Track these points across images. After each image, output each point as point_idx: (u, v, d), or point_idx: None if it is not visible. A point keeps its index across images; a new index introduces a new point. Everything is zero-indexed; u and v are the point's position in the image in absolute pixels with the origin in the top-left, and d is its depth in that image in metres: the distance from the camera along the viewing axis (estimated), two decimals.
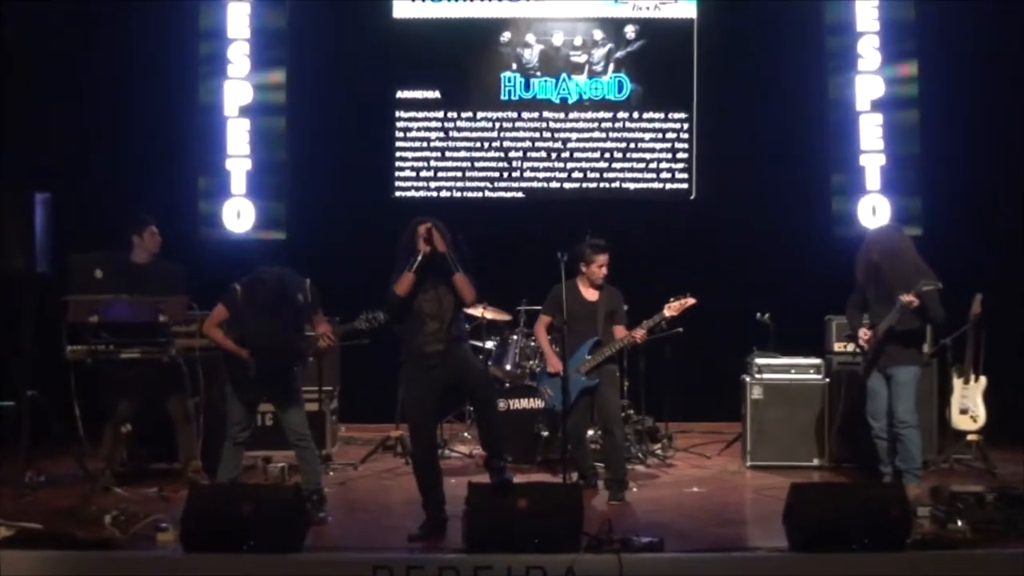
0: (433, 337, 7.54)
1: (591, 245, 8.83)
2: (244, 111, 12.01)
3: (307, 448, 8.07)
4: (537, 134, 12.12)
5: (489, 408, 7.93)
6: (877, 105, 11.88)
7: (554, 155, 12.12)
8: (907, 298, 8.30)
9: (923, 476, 8.56)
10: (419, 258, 7.47)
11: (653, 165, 12.10)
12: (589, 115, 12.11)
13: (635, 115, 12.09)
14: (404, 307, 7.56)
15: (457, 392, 8.26)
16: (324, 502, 8.04)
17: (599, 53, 12.10)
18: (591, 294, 8.90)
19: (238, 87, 12.00)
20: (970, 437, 9.58)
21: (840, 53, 11.96)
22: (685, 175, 12.08)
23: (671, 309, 8.81)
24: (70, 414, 8.77)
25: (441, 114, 12.11)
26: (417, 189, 12.11)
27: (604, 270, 8.84)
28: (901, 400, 8.52)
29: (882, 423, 8.63)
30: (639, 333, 8.78)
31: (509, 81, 12.11)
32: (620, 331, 8.88)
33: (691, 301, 8.82)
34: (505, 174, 12.13)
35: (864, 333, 8.67)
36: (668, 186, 12.10)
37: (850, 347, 9.63)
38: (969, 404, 9.53)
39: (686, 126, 12.05)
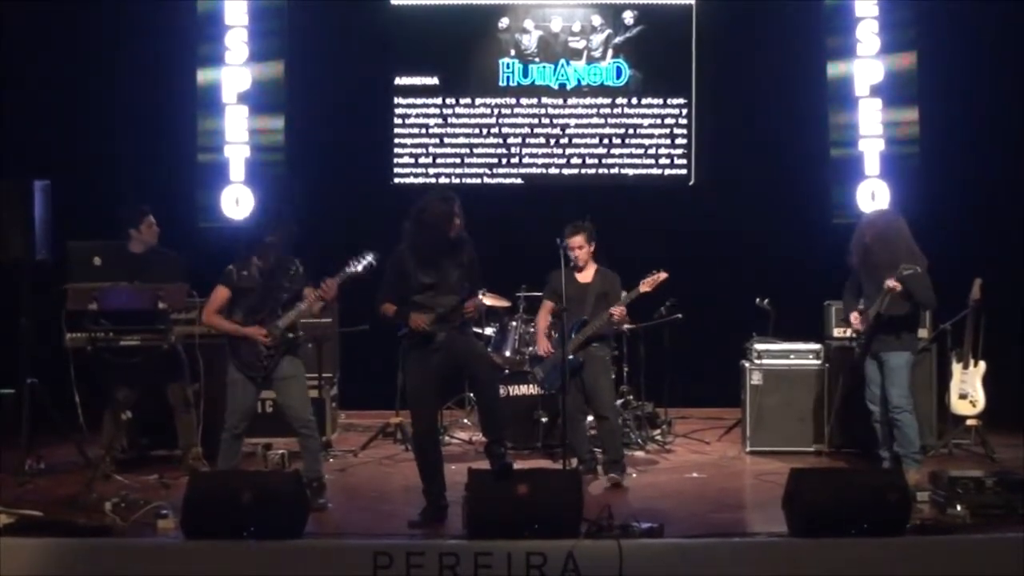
0: (434, 325, 7.54)
1: (570, 226, 8.83)
2: (242, 98, 11.96)
3: (311, 436, 8.07)
4: (536, 120, 12.10)
5: (490, 393, 7.93)
6: (876, 90, 11.85)
7: (553, 141, 12.11)
8: (890, 284, 8.32)
9: (922, 461, 8.57)
10: (410, 327, 7.55)
11: (652, 151, 12.08)
12: (588, 101, 12.09)
13: (634, 101, 12.07)
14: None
15: (458, 377, 8.27)
16: (324, 489, 8.06)
17: (598, 39, 12.08)
18: (584, 276, 8.91)
19: (236, 74, 11.95)
20: (969, 422, 9.60)
21: (839, 38, 11.92)
22: (684, 161, 12.06)
23: (645, 285, 8.84)
24: (70, 402, 8.79)
25: (439, 100, 12.09)
26: (416, 176, 12.09)
27: (581, 251, 8.82)
28: (894, 385, 8.52)
29: (880, 408, 8.66)
30: (617, 310, 8.76)
31: (507, 67, 12.09)
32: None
33: (663, 276, 8.83)
34: (504, 160, 12.11)
35: (855, 317, 8.69)
36: (667, 172, 12.09)
37: (849, 332, 9.65)
38: (968, 389, 9.55)
39: (685, 112, 12.04)
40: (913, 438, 8.51)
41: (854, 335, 8.95)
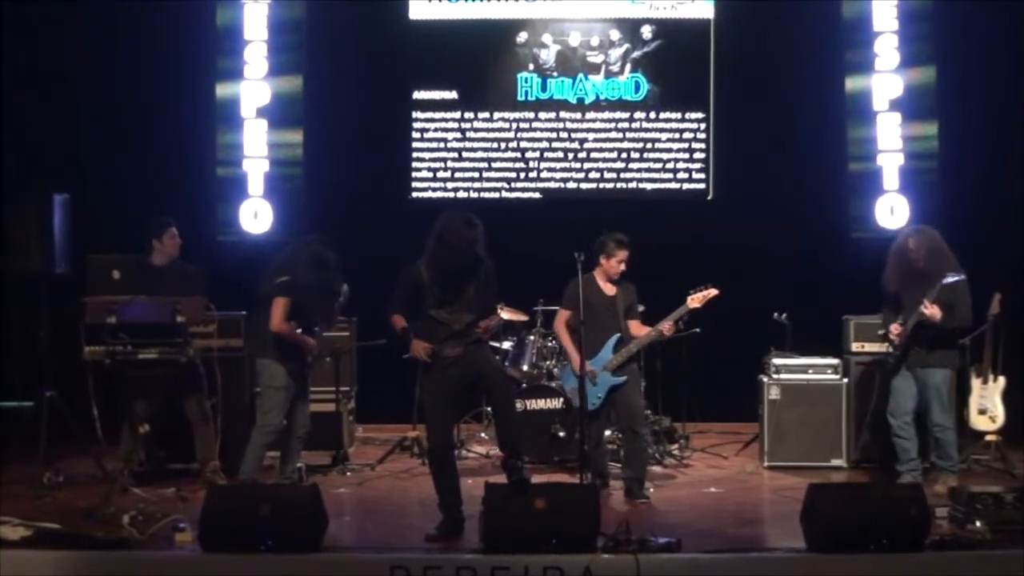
0: (449, 341, 7.54)
1: (615, 240, 8.79)
2: (261, 112, 12.03)
3: (304, 439, 8.56)
4: (554, 134, 12.12)
5: (507, 408, 7.92)
6: (895, 104, 11.84)
7: (571, 155, 12.12)
8: (928, 310, 8.40)
9: (959, 473, 8.73)
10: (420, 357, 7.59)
11: (670, 165, 12.08)
12: (606, 115, 12.10)
13: (652, 115, 12.08)
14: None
15: (475, 392, 8.25)
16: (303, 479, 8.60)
17: (616, 53, 12.09)
18: (609, 289, 8.85)
19: (255, 88, 12.02)
20: (989, 437, 9.54)
21: (857, 52, 11.93)
22: (702, 175, 12.06)
23: (694, 301, 8.79)
24: (88, 414, 8.81)
25: (458, 115, 12.12)
26: (434, 190, 12.12)
27: (623, 266, 8.82)
28: (936, 403, 8.69)
29: (900, 421, 8.73)
30: (666, 326, 8.76)
31: (526, 81, 12.11)
32: (635, 326, 8.87)
33: (713, 292, 8.80)
34: (522, 175, 12.13)
35: (896, 328, 8.73)
36: (685, 186, 12.09)
37: (867, 347, 9.68)
38: (988, 404, 9.50)
39: (703, 126, 12.04)
40: (953, 453, 8.73)
41: (891, 348, 8.95)
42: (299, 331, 8.39)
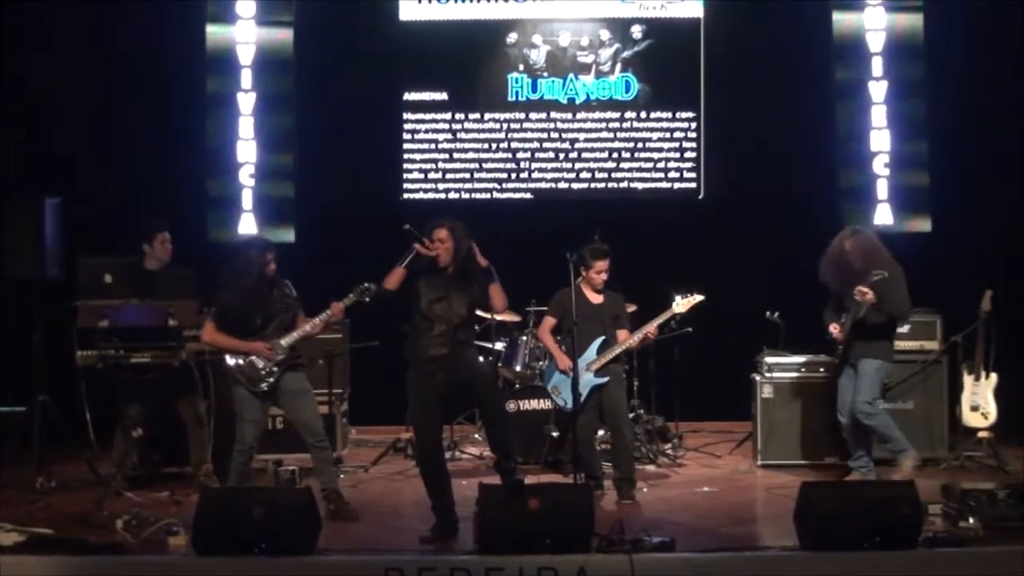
0: (437, 340, 7.55)
1: (591, 250, 8.81)
2: (252, 113, 12.01)
3: (325, 448, 8.17)
4: (545, 135, 12.11)
5: (495, 411, 7.95)
6: (886, 102, 11.85)
7: (562, 156, 12.12)
8: (860, 290, 8.51)
9: (908, 449, 8.74)
10: (411, 255, 7.56)
11: (661, 165, 12.08)
12: (597, 115, 12.10)
13: (643, 115, 12.08)
14: (392, 302, 7.63)
15: (464, 395, 8.24)
16: (342, 497, 8.18)
17: (606, 53, 12.09)
18: (595, 297, 8.88)
19: (246, 89, 12.01)
20: (981, 434, 9.57)
21: (848, 51, 11.94)
22: (693, 175, 12.06)
23: (680, 306, 8.86)
24: (81, 419, 8.80)
25: (449, 116, 12.11)
26: (425, 191, 12.11)
27: (604, 275, 8.81)
28: (860, 392, 8.76)
29: (847, 419, 8.87)
30: (650, 329, 8.78)
31: (516, 82, 12.11)
32: (623, 335, 8.86)
33: (699, 298, 8.86)
34: (513, 175, 12.12)
35: (835, 328, 8.87)
36: (676, 186, 12.09)
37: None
38: (980, 401, 9.53)
39: (694, 125, 12.04)
40: (892, 434, 8.77)
41: (838, 348, 9.05)
42: (233, 338, 8.10)
